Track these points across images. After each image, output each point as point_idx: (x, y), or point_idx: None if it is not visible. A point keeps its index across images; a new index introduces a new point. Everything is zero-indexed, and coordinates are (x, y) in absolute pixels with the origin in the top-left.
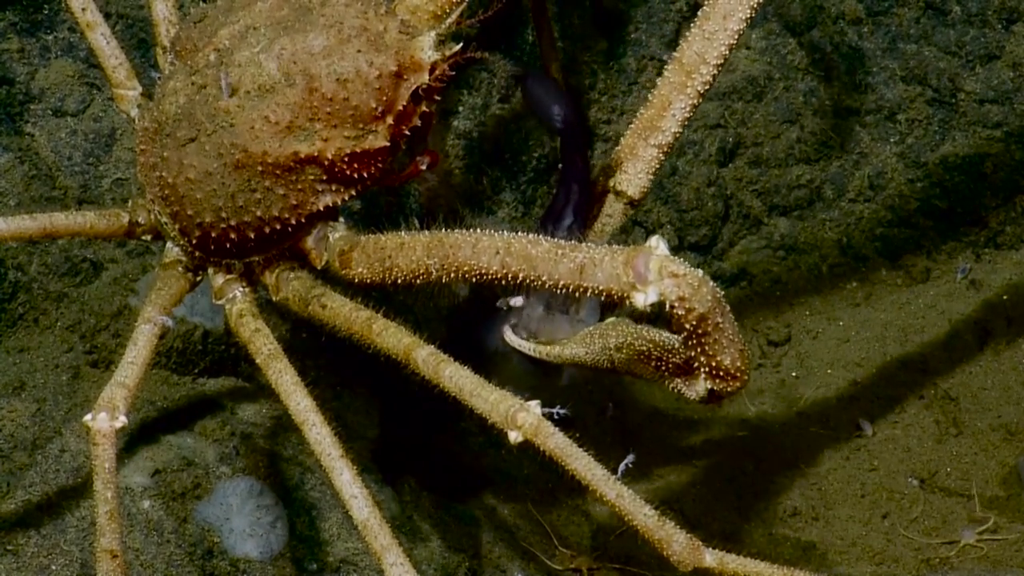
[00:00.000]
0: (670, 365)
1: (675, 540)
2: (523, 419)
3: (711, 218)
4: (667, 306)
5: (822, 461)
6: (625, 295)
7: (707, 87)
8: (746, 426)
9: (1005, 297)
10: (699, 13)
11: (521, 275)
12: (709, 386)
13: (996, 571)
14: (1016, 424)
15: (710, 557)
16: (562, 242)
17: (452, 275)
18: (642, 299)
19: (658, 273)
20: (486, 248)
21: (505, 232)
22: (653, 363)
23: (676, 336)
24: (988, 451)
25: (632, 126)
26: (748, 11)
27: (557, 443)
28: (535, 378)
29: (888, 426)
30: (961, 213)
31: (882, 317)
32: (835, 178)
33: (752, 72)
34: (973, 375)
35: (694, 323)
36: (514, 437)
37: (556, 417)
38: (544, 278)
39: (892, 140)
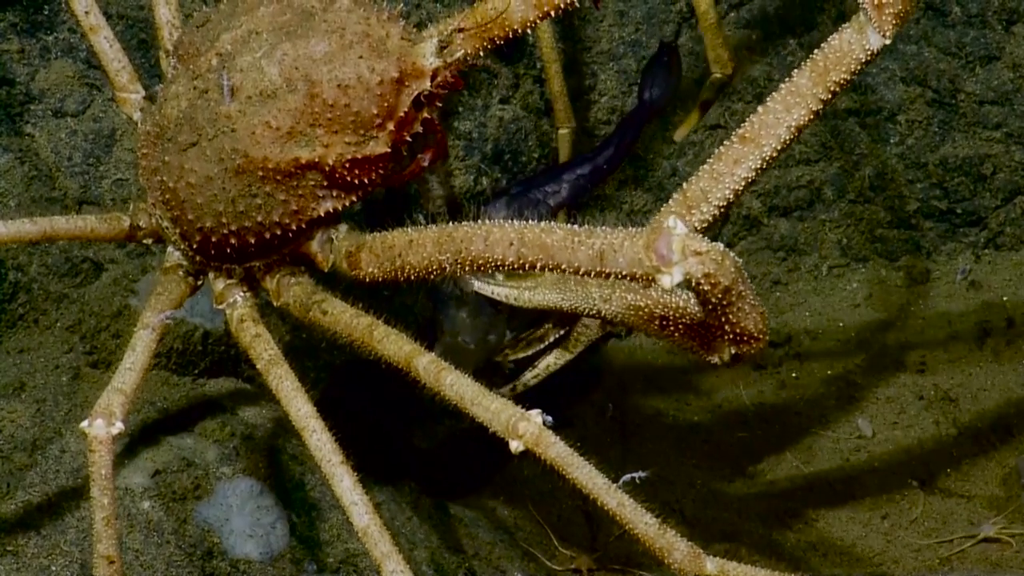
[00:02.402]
0: (680, 326)
1: (676, 548)
2: (524, 428)
3: None
4: (692, 283)
5: (822, 461)
6: (650, 278)
7: (704, 225)
8: (746, 426)
9: (1005, 297)
10: (716, 152)
11: (539, 264)
12: (733, 351)
13: (996, 571)
14: (1016, 424)
15: (711, 565)
16: (576, 228)
17: (466, 268)
18: (668, 280)
19: (681, 253)
20: (499, 240)
21: (516, 221)
22: (657, 322)
23: (684, 294)
24: (988, 451)
25: None
26: (759, 162)
27: (558, 452)
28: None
29: (888, 426)
30: (961, 213)
31: (882, 317)
32: (835, 178)
33: (752, 72)
34: (973, 375)
35: (720, 296)
36: (515, 446)
37: (547, 425)
38: (563, 266)
39: (892, 141)
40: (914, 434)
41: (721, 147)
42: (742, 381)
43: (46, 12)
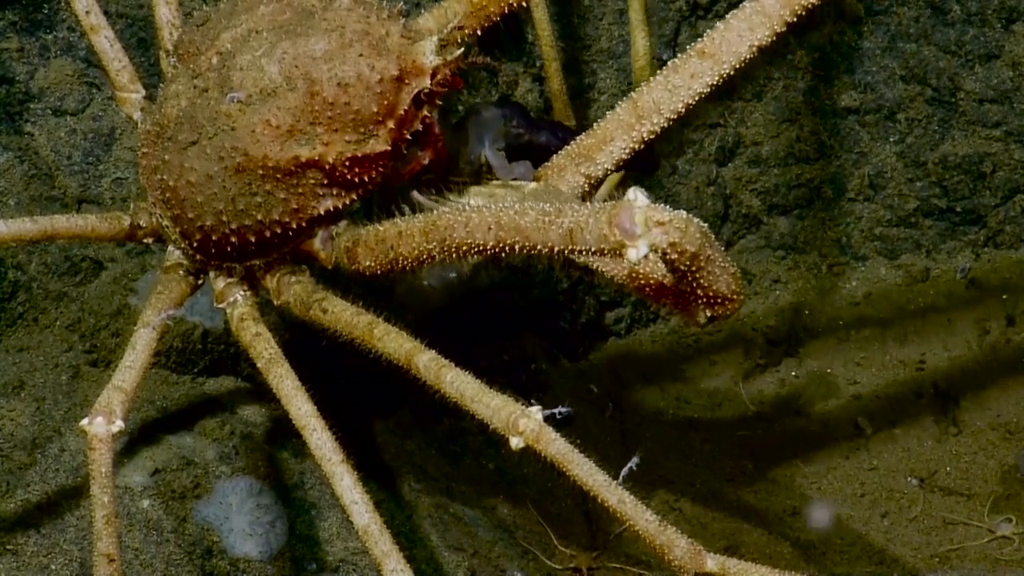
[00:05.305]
0: (652, 283)
1: (676, 545)
2: (524, 425)
3: (711, 217)
4: (659, 253)
5: (822, 461)
6: (618, 252)
7: (652, 136)
8: (746, 426)
9: (1005, 297)
10: (669, 64)
11: (517, 246)
12: (709, 314)
13: (996, 571)
14: (1016, 423)
15: (711, 562)
16: (547, 207)
17: (453, 255)
18: (635, 254)
19: (645, 225)
20: (478, 225)
21: (492, 206)
22: (628, 273)
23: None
24: (988, 450)
25: (567, 148)
26: (715, 77)
27: (559, 449)
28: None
29: (888, 426)
30: (961, 213)
31: (882, 316)
32: (835, 177)
33: (752, 72)
34: (973, 375)
35: (688, 263)
36: (516, 443)
37: (559, 417)
38: (539, 246)
39: (892, 139)
40: (913, 432)
41: (678, 60)
42: (742, 380)
43: (46, 11)
